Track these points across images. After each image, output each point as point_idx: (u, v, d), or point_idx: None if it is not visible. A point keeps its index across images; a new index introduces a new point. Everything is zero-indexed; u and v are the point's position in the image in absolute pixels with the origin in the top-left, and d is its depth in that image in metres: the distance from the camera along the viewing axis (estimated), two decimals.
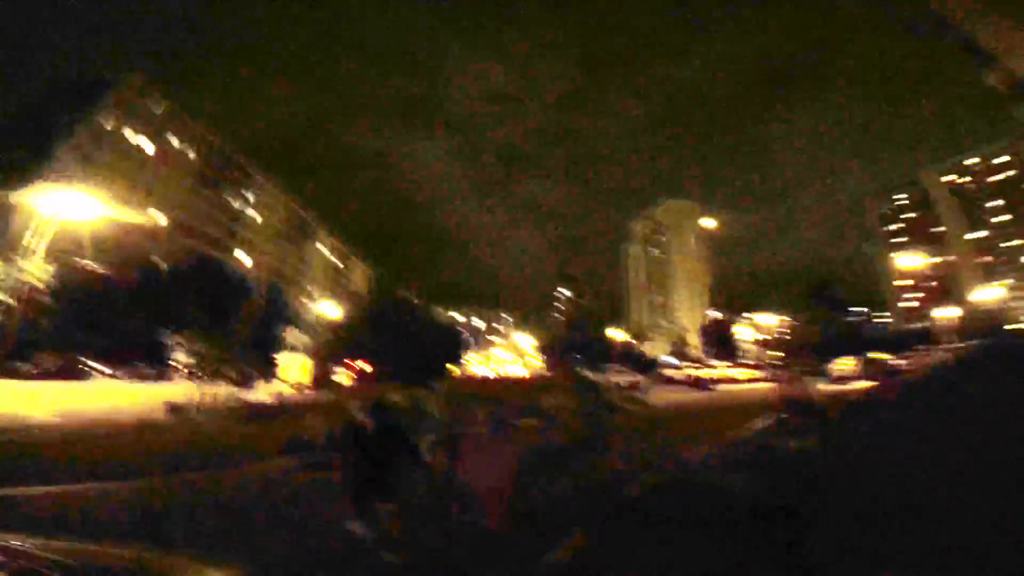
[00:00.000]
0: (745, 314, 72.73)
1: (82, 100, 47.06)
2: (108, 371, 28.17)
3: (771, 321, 68.34)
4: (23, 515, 4.22)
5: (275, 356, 29.58)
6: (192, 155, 57.66)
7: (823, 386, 25.03)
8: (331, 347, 37.27)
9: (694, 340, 63.34)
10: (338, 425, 7.77)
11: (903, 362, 20.86)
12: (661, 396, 19.75)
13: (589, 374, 26.91)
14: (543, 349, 78.34)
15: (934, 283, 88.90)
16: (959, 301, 71.69)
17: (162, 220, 52.94)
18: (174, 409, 12.64)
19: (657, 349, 78.52)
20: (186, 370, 27.93)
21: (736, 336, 62.32)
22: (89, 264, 34.21)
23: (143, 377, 28.25)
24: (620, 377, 25.07)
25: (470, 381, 41.50)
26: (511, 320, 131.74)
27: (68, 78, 50.66)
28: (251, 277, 50.74)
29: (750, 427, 7.62)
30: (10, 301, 24.24)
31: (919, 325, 65.37)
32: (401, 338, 36.15)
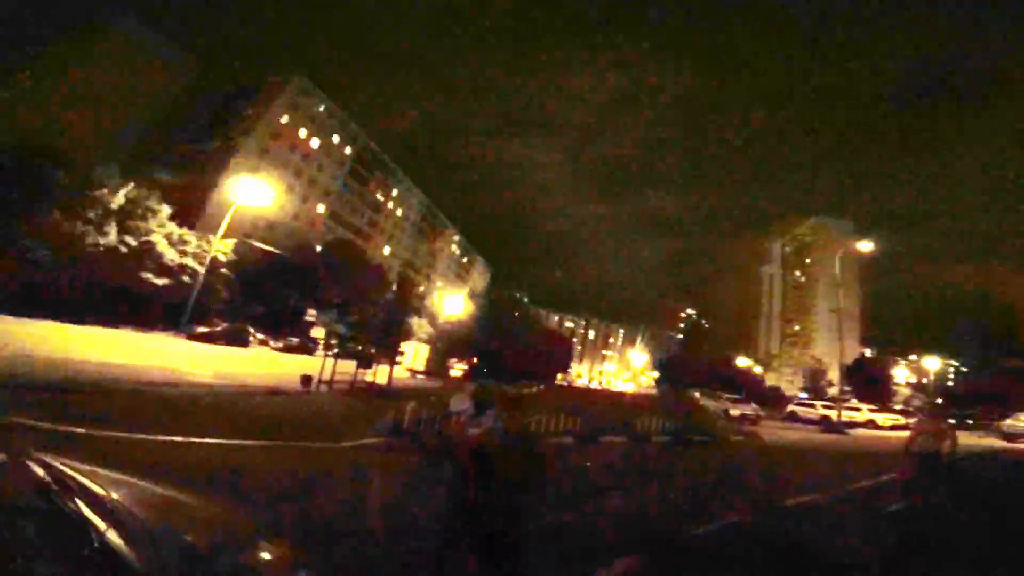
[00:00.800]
0: (908, 356, 61.55)
1: (261, 98, 56.22)
2: (261, 338, 32.81)
3: (935, 365, 56.64)
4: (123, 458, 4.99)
5: (399, 341, 32.44)
6: (348, 151, 65.54)
7: (996, 441, 20.34)
8: (448, 340, 39.80)
9: (833, 376, 55.00)
10: (434, 413, 8.33)
11: None
12: (779, 433, 17.66)
13: (704, 400, 25.09)
14: (656, 367, 74.62)
15: None
16: None
17: (320, 209, 61.26)
18: (304, 380, 14.20)
19: (784, 381, 69.98)
20: (323, 345, 31.64)
21: (891, 378, 52.98)
22: (261, 244, 41.10)
23: (290, 348, 32.59)
24: (738, 408, 22.95)
25: (568, 390, 41.20)
26: (625, 334, 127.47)
27: (245, 78, 60.74)
28: (387, 267, 56.47)
29: (867, 480, 6.56)
30: (200, 269, 30.14)
31: None
32: (511, 340, 37.43)
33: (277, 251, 41.08)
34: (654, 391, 56.96)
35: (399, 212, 74.24)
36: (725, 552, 4.08)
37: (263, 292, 35.89)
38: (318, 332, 26.82)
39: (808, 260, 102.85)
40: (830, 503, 5.93)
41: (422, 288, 61.59)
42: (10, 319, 16.99)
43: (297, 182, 57.90)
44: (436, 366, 35.55)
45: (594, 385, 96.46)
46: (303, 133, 58.49)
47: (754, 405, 25.17)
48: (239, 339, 29.50)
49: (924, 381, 56.73)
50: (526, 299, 61.93)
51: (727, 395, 26.69)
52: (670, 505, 5.73)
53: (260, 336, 33.17)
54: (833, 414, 23.13)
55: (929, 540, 4.49)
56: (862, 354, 59.43)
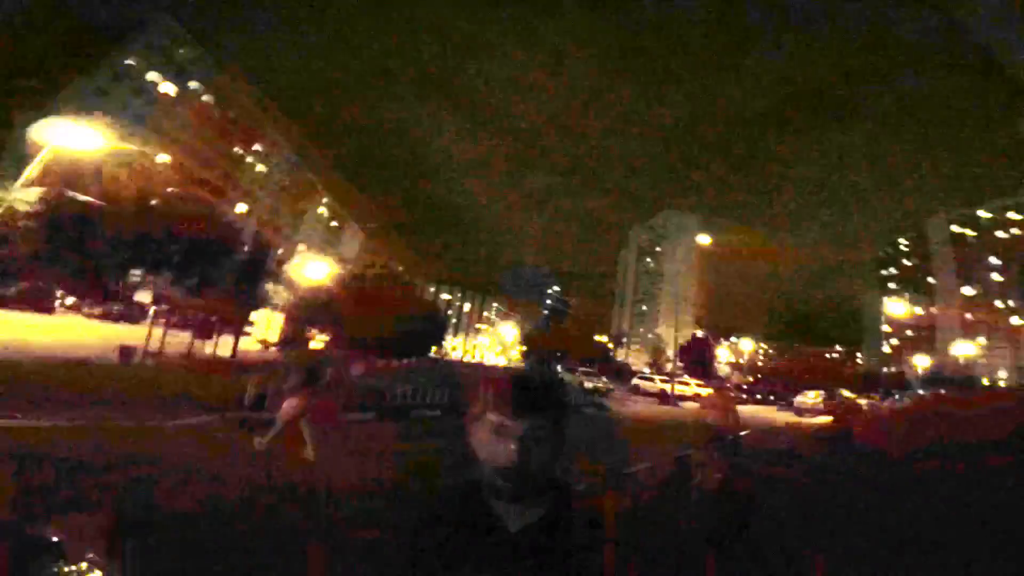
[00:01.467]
0: (730, 337, 73.93)
1: (109, 36, 46.86)
2: (72, 303, 27.43)
3: (748, 346, 69.70)
4: None
5: (250, 308, 29.12)
6: (207, 98, 56.92)
7: (787, 416, 25.33)
8: (308, 308, 36.79)
9: (671, 353, 63.84)
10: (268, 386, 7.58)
11: (864, 403, 21.16)
12: (625, 404, 19.82)
13: (563, 374, 27.07)
14: (524, 342, 78.53)
15: (916, 331, 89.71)
16: (934, 352, 73.44)
17: (162, 158, 52.25)
18: (124, 352, 12.21)
19: (634, 358, 78.99)
20: (152, 313, 27.37)
21: (715, 357, 63.03)
22: (76, 194, 33.59)
23: (110, 316, 27.69)
24: (591, 381, 25.12)
25: (437, 364, 41.36)
26: (498, 309, 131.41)
27: (102, 17, 50.12)
28: (240, 225, 50.14)
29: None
30: None
31: (894, 369, 66.50)
32: (382, 310, 35.82)
33: (99, 202, 33.88)
34: (521, 365, 59.99)
35: (260, 168, 66.45)
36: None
37: (77, 249, 29.54)
38: (144, 296, 22.83)
39: (659, 249, 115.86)
40: (659, 470, 6.73)
41: (281, 251, 56.10)
42: None
43: (138, 129, 48.82)
44: (293, 336, 32.69)
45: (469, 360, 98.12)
46: (153, 75, 50.54)
47: (604, 378, 27.85)
48: (42, 303, 24.37)
49: (740, 361, 69.10)
50: (404, 271, 60.15)
51: (581, 368, 29.15)
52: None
53: (70, 301, 27.60)
54: (670, 388, 26.65)
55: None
56: (693, 335, 69.27)
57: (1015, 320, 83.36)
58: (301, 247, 67.28)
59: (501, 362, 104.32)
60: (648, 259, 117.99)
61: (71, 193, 33.98)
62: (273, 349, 30.18)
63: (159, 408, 6.95)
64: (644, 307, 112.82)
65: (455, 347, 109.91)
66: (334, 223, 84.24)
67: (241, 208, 62.16)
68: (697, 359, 54.79)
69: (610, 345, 65.55)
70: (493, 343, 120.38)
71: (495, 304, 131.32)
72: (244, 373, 9.50)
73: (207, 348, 14.10)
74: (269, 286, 41.82)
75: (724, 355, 66.91)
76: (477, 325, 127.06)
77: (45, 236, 29.44)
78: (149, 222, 35.57)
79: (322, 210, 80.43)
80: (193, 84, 55.23)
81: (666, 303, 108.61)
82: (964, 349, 61.40)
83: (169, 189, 45.07)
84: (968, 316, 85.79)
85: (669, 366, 59.10)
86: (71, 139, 29.93)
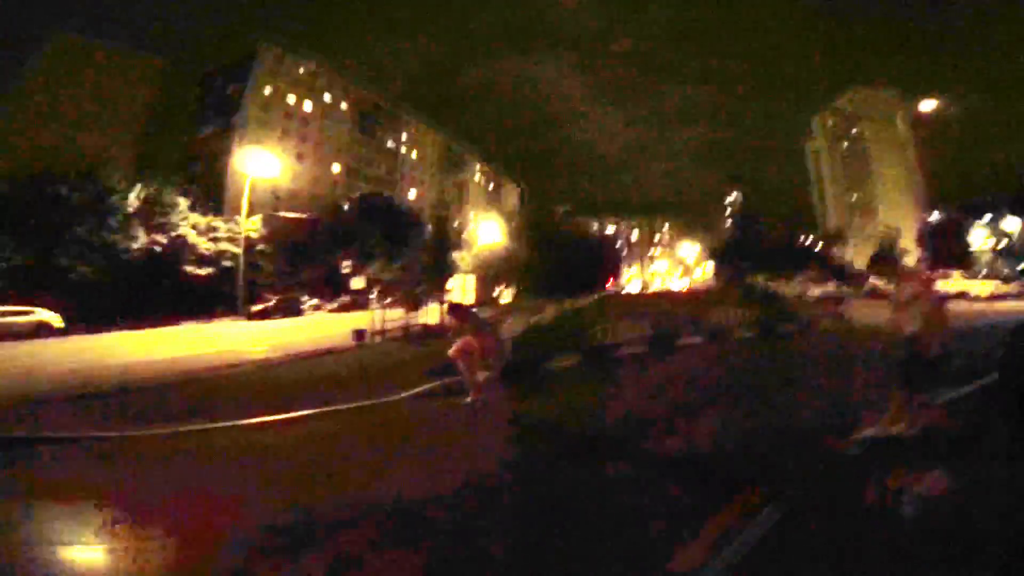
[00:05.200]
0: (984, 217, 54.34)
1: (236, 75, 54.30)
2: (315, 303, 33.30)
3: (1015, 225, 49.45)
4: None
5: (444, 278, 32.05)
6: (344, 106, 63.56)
7: None
8: (490, 268, 39.23)
9: (910, 245, 50.34)
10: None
11: None
12: (870, 310, 16.07)
13: (763, 284, 23.34)
14: (711, 257, 71.67)
15: None
16: None
17: (335, 168, 60.70)
18: (357, 335, 13.72)
19: (860, 255, 65.53)
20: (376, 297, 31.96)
21: (968, 243, 47.90)
22: (286, 214, 41.04)
23: (345, 307, 32.83)
24: (817, 289, 21.16)
25: (621, 297, 39.80)
26: (671, 229, 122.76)
27: (215, 62, 58.67)
28: (416, 209, 55.66)
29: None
30: (236, 250, 30.44)
31: None
32: (552, 253, 36.15)
33: (304, 216, 40.99)
34: (713, 284, 54.94)
35: (414, 155, 72.38)
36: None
37: (303, 258, 36.32)
38: (358, 283, 26.72)
39: (855, 130, 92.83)
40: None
41: (457, 223, 60.75)
42: (76, 337, 17.65)
43: (303, 147, 57.37)
44: (485, 295, 35.19)
45: (652, 289, 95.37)
46: (291, 99, 57.37)
47: (834, 282, 23.19)
48: (293, 309, 30.24)
49: (1005, 245, 49.88)
50: (563, 210, 59.82)
51: (801, 275, 24.73)
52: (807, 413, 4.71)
53: (313, 302, 33.86)
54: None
55: None
56: (932, 219, 53.46)
57: None
58: (471, 214, 72.08)
59: (685, 284, 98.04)
60: (845, 143, 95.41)
61: (281, 213, 41.77)
62: (473, 310, 32.84)
63: (390, 381, 7.29)
64: (855, 195, 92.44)
65: (629, 279, 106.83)
66: (491, 185, 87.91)
67: (412, 194, 68.99)
68: (947, 246, 42.53)
69: (826, 245, 55.28)
70: (672, 266, 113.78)
71: (665, 224, 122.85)
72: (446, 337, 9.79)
73: (420, 318, 15.41)
74: (455, 254, 46.05)
75: (980, 238, 49.77)
76: (650, 252, 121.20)
77: (279, 253, 36.91)
78: (349, 222, 41.73)
79: (478, 177, 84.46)
80: (327, 96, 61.33)
81: (882, 187, 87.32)
82: None
83: (351, 194, 52.41)
84: None
85: (908, 260, 47.04)
86: (258, 167, 36.38)
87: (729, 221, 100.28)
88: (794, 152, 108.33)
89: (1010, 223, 48.15)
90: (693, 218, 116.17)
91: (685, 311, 14.01)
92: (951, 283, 23.05)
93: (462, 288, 33.80)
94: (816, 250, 54.08)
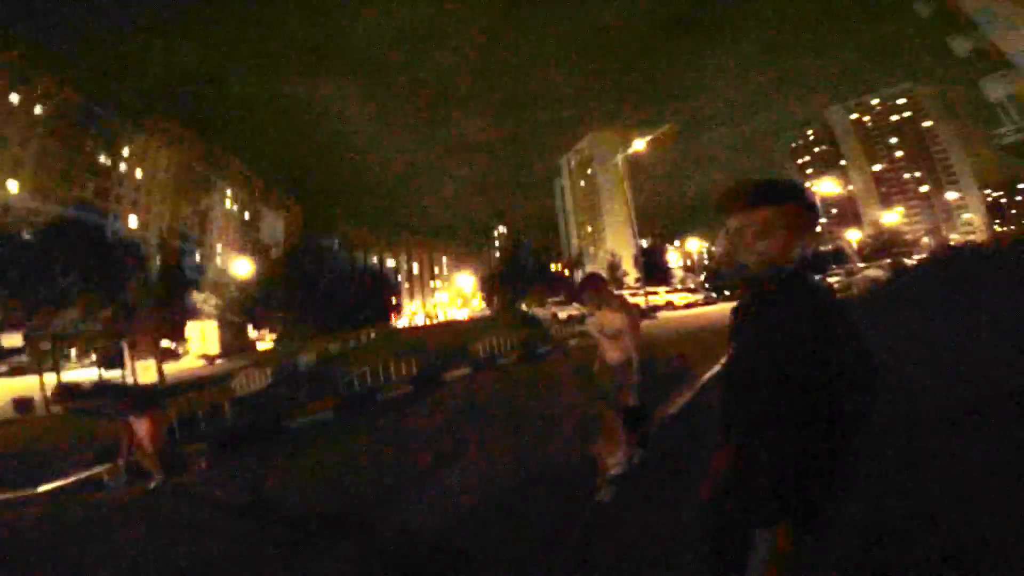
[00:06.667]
0: (674, 242, 75.22)
1: None
2: None
3: (695, 246, 71.34)
4: None
5: (165, 326, 25.68)
6: (39, 110, 48.04)
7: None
8: (244, 308, 33.41)
9: (628, 267, 64.04)
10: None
11: (831, 280, 21.35)
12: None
13: (530, 309, 25.84)
14: (481, 287, 77.11)
15: (841, 209, 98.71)
16: (860, 225, 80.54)
17: (12, 187, 44.55)
18: (20, 405, 9.86)
19: None
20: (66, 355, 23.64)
21: (667, 262, 64.08)
22: None
23: (19, 370, 23.55)
24: (563, 310, 23.97)
25: (400, 332, 39.02)
26: (449, 261, 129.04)
27: None
28: (138, 239, 44.30)
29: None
30: None
31: (830, 247, 70.69)
32: (322, 288, 32.84)
33: None
34: (487, 312, 58.79)
35: (141, 174, 58.36)
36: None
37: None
38: (12, 339, 19.31)
39: (590, 171, 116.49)
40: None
41: (198, 257, 50.69)
42: None
43: None
44: (235, 342, 29.47)
45: (437, 321, 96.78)
46: None
47: (575, 303, 26.82)
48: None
49: (689, 263, 70.54)
50: (336, 245, 56.03)
51: (551, 299, 27.99)
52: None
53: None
54: (640, 301, 25.86)
55: None
56: (641, 244, 69.60)
57: (923, 188, 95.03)
58: (217, 244, 61.29)
59: (464, 315, 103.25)
60: (582, 182, 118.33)
61: None
62: (219, 362, 27.05)
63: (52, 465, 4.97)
64: (589, 227, 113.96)
65: (414, 312, 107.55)
66: (246, 214, 76.97)
67: (132, 221, 54.96)
68: (653, 267, 55.20)
69: (566, 272, 65.16)
70: (453, 297, 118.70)
71: (444, 257, 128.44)
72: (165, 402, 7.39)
73: (127, 378, 11.67)
74: (196, 295, 37.56)
75: (675, 259, 67.92)
76: (431, 283, 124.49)
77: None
78: (30, 258, 30.31)
79: (228, 201, 72.82)
80: (14, 97, 46.39)
81: (608, 219, 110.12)
82: (890, 218, 67.76)
83: (37, 219, 38.74)
84: (883, 190, 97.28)
85: (627, 280, 59.56)
86: None
87: (497, 253, 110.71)
88: (544, 188, 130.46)
89: (692, 244, 67.71)
90: (469, 249, 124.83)
91: (458, 342, 14.00)
92: (659, 297, 29.04)
93: (201, 336, 27.87)
94: (564, 275, 63.37)
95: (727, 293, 27.61)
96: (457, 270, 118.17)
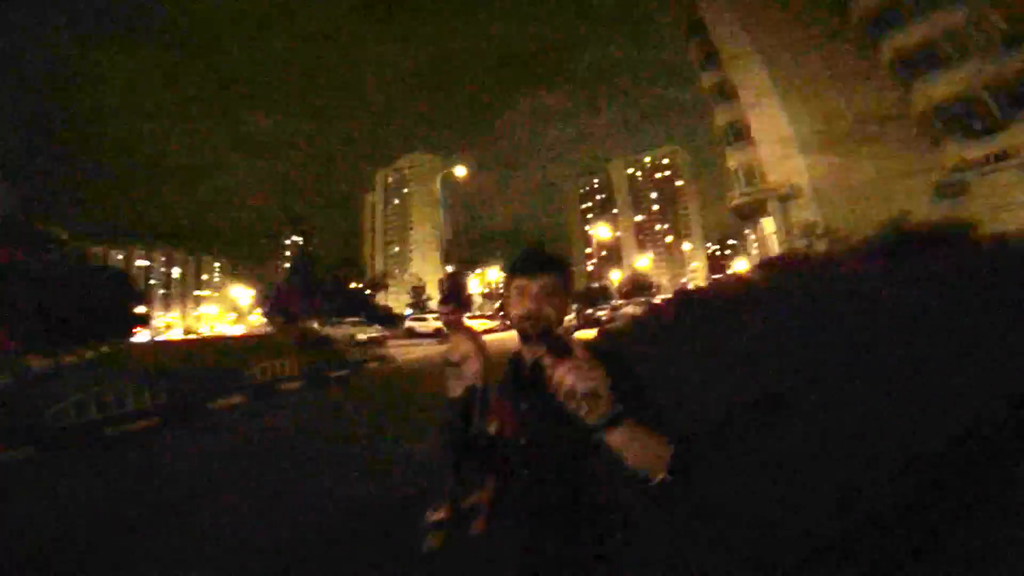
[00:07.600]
0: (476, 270, 79.63)
1: None
2: None
3: (495, 275, 76.98)
4: None
5: None
6: None
7: None
8: None
9: (432, 291, 65.12)
10: None
11: (601, 313, 24.92)
12: (406, 349, 18.41)
13: (320, 328, 23.48)
14: (263, 303, 67.91)
15: (609, 252, 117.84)
16: (622, 267, 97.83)
17: None
18: None
19: (391, 300, 78.34)
20: None
21: (467, 287, 67.10)
22: None
23: None
24: (361, 331, 22.58)
25: (143, 347, 31.10)
26: (223, 269, 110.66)
27: None
28: None
29: None
30: None
31: (598, 284, 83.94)
32: (38, 290, 23.94)
33: None
34: (268, 328, 51.67)
35: None
36: None
37: None
38: None
39: (406, 190, 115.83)
40: None
41: None
42: None
43: None
44: None
45: (198, 335, 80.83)
46: None
47: (377, 326, 25.69)
48: None
49: (488, 291, 75.29)
50: (65, 236, 42.28)
51: (348, 319, 26.15)
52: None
53: None
54: (441, 325, 25.97)
55: None
56: (447, 270, 71.91)
57: (668, 239, 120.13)
58: None
59: (239, 330, 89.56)
60: (396, 200, 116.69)
61: None
62: None
63: None
64: (396, 248, 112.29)
65: (168, 324, 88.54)
66: None
67: None
68: (456, 292, 57.01)
69: (368, 291, 62.33)
70: (224, 311, 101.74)
71: (216, 264, 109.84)
72: None
73: None
74: None
75: (476, 286, 71.69)
76: (196, 292, 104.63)
77: None
78: None
79: None
80: None
81: (416, 242, 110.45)
82: (641, 263, 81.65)
83: None
84: (640, 237, 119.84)
85: (431, 304, 60.13)
86: None
87: (287, 265, 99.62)
88: (351, 201, 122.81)
89: (492, 274, 72.18)
90: (251, 258, 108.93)
91: (227, 363, 11.73)
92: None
93: None
94: (364, 295, 60.48)
95: None
96: (234, 280, 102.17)
